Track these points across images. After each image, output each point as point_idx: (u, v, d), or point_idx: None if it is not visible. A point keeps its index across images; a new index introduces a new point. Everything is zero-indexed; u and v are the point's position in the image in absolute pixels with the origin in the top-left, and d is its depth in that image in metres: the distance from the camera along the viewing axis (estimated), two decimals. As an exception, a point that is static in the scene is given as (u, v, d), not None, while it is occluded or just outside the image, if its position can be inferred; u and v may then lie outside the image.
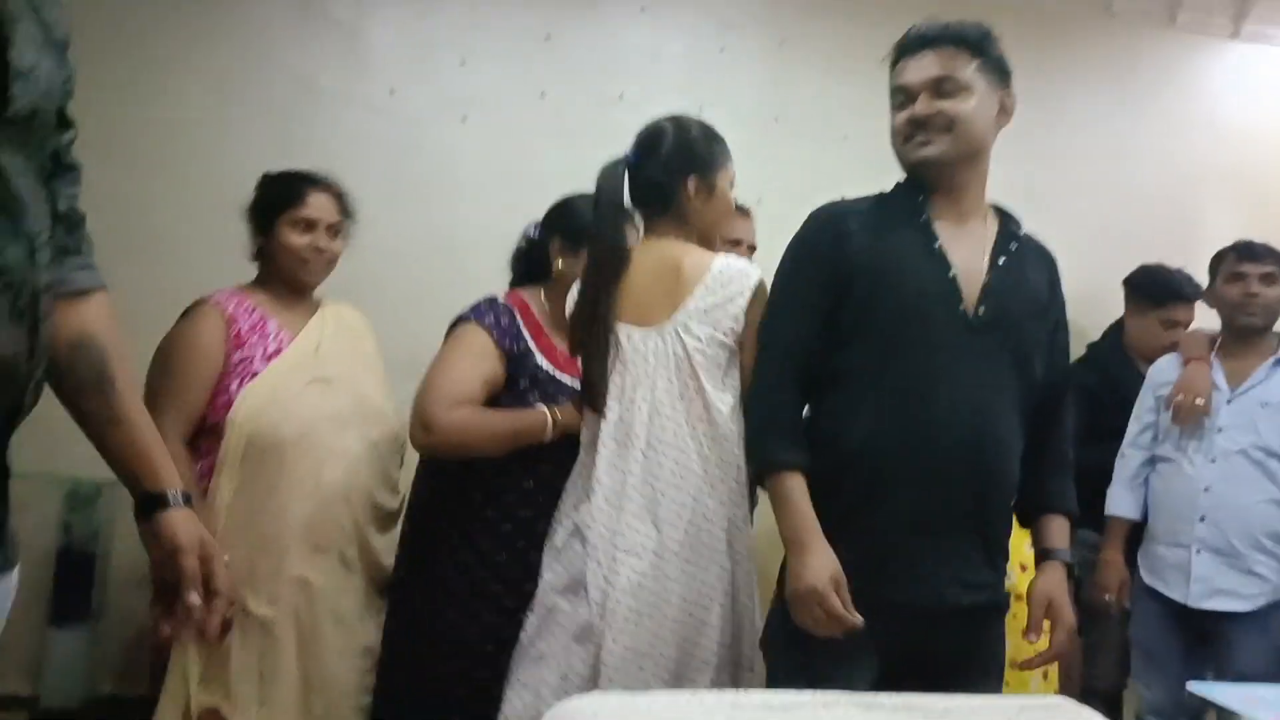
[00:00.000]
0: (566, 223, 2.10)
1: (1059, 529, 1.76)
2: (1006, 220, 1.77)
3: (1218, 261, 2.88)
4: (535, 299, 2.11)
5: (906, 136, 1.68)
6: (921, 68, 1.67)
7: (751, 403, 1.72)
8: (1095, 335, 3.39)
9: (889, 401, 1.62)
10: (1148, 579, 2.79)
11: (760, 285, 1.81)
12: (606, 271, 1.81)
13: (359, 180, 2.99)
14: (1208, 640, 2.69)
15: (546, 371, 2.02)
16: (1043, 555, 1.75)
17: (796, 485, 1.60)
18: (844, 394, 1.65)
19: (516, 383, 1.99)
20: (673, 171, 1.87)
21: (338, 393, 2.11)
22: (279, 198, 2.15)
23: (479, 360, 1.96)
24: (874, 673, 1.59)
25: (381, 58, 3.01)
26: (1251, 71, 3.65)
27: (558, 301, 2.04)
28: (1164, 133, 3.58)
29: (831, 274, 1.66)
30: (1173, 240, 3.45)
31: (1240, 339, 2.77)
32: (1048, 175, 3.44)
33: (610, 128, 3.12)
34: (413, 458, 2.12)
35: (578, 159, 3.10)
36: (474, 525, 1.97)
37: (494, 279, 3.02)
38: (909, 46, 1.70)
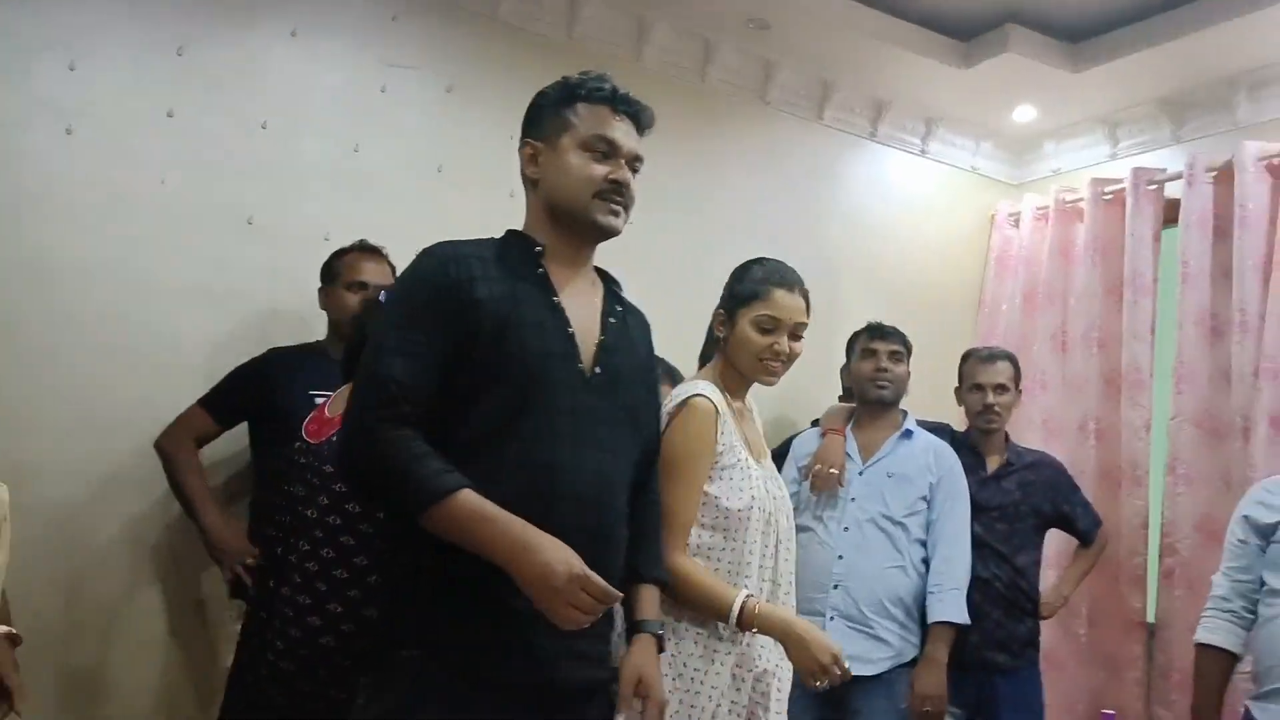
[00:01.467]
0: None
1: (648, 598, 1.69)
2: (609, 282, 1.75)
3: (853, 341, 3.06)
4: None
5: (602, 194, 1.61)
6: (629, 136, 1.66)
7: (376, 446, 1.46)
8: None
9: (513, 472, 1.50)
10: (787, 648, 2.85)
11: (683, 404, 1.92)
12: None
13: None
14: (840, 706, 2.77)
15: None
16: (633, 629, 1.68)
17: (477, 496, 1.43)
18: (467, 459, 1.49)
19: None
20: None
21: None
22: None
23: None
24: None
25: (-37, 49, 2.52)
26: (886, 171, 3.98)
27: None
28: (812, 219, 3.79)
29: (456, 316, 1.52)
30: (820, 321, 3.64)
31: (871, 413, 2.94)
32: (709, 248, 3.55)
33: (250, 157, 2.86)
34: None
35: (210, 188, 2.81)
36: None
37: (100, 317, 2.61)
38: (618, 103, 1.65)
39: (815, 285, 3.75)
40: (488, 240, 1.65)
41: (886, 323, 3.01)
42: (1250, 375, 3.11)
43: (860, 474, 2.84)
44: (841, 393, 3.45)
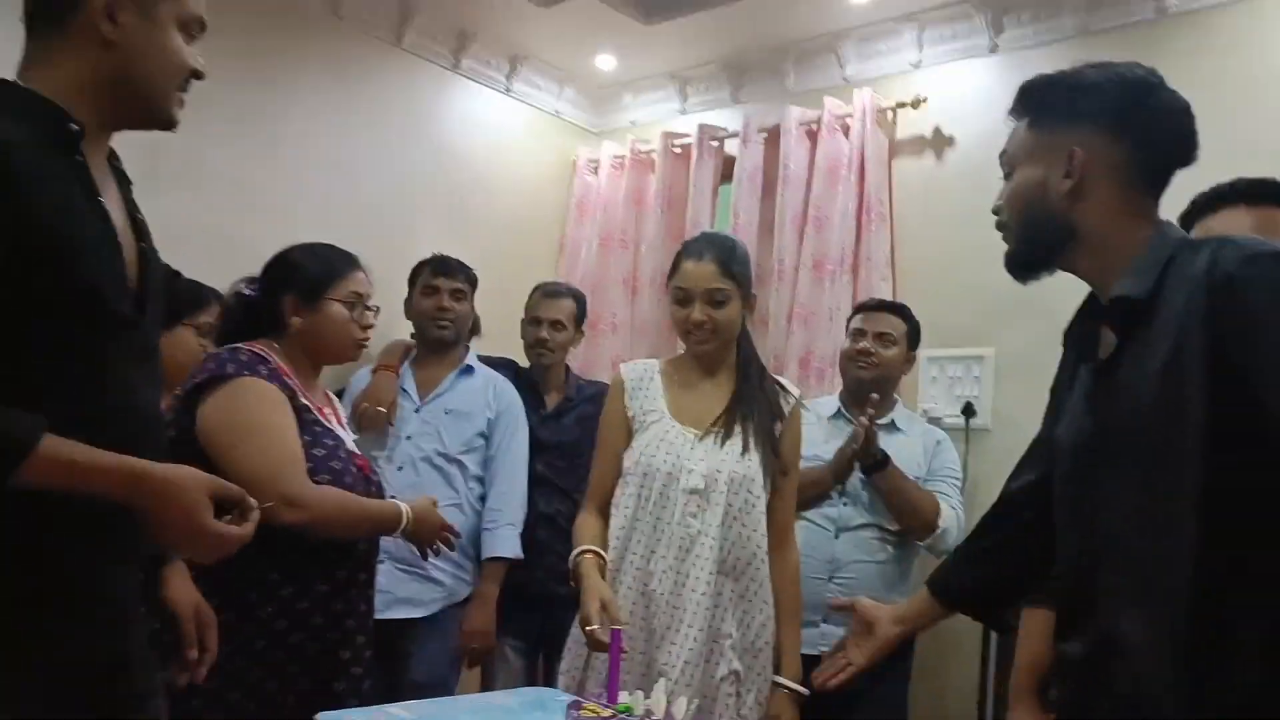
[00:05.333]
0: (298, 277, 1.97)
1: None
2: (114, 159, 1.42)
3: (415, 274, 2.95)
4: (270, 349, 1.91)
5: (183, 86, 1.38)
6: None
7: None
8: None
9: (94, 426, 1.25)
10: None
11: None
12: None
13: None
14: (395, 651, 2.69)
15: (322, 424, 1.91)
16: None
17: (58, 437, 1.15)
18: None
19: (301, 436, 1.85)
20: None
21: None
22: None
23: (287, 418, 1.81)
24: None
25: None
26: (471, 107, 3.88)
27: (297, 358, 1.95)
28: (392, 148, 3.61)
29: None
30: (396, 255, 3.50)
31: (432, 349, 2.86)
32: (280, 168, 3.27)
33: None
34: None
35: None
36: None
37: None
38: None
39: (392, 218, 3.67)
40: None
41: (455, 258, 2.95)
42: (785, 321, 3.42)
43: (417, 411, 2.76)
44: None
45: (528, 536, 2.83)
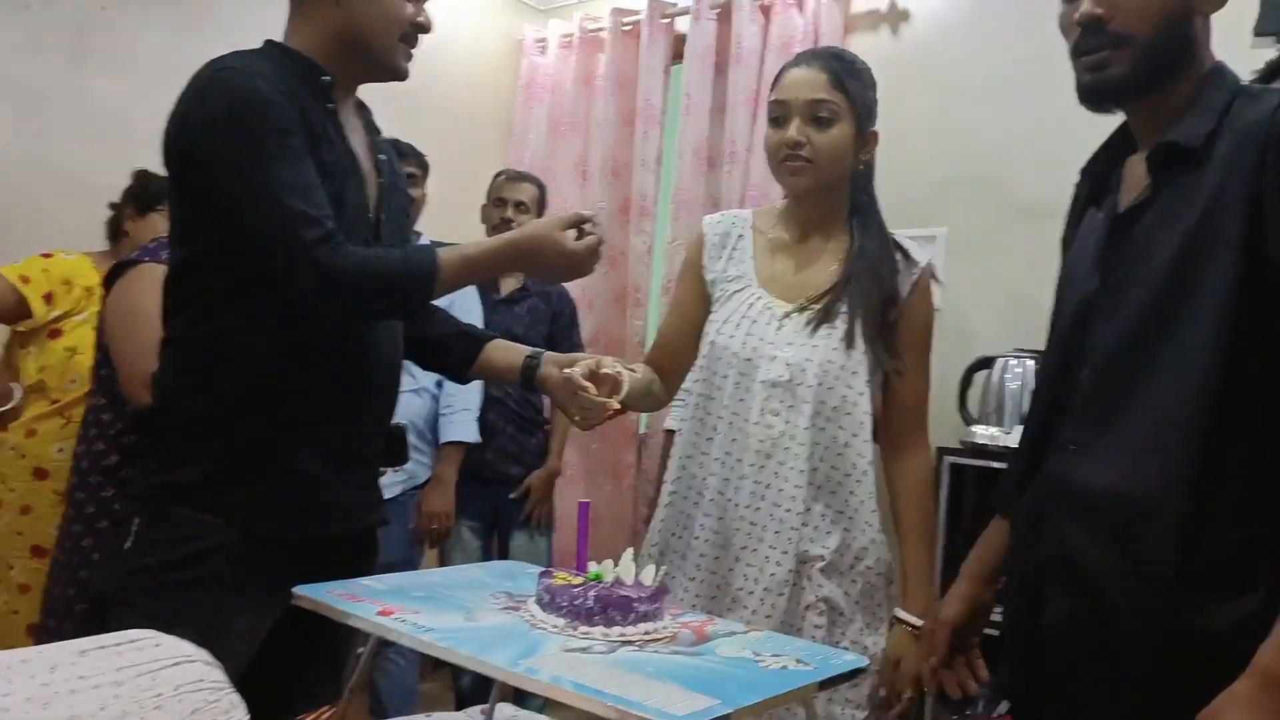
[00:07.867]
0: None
1: None
2: (365, 111, 1.61)
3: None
4: None
5: (406, 38, 1.53)
6: None
7: (349, 270, 1.35)
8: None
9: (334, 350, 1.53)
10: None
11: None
12: None
13: None
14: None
15: None
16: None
17: (445, 249, 1.46)
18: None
19: None
20: None
21: None
22: None
23: None
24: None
25: None
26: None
27: None
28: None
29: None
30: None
31: (382, 235, 2.81)
32: (206, 52, 3.09)
33: None
34: None
35: None
36: None
37: None
38: None
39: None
40: (263, 58, 1.44)
41: (407, 142, 2.86)
42: (737, 203, 3.39)
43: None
44: None
45: (479, 420, 2.84)
